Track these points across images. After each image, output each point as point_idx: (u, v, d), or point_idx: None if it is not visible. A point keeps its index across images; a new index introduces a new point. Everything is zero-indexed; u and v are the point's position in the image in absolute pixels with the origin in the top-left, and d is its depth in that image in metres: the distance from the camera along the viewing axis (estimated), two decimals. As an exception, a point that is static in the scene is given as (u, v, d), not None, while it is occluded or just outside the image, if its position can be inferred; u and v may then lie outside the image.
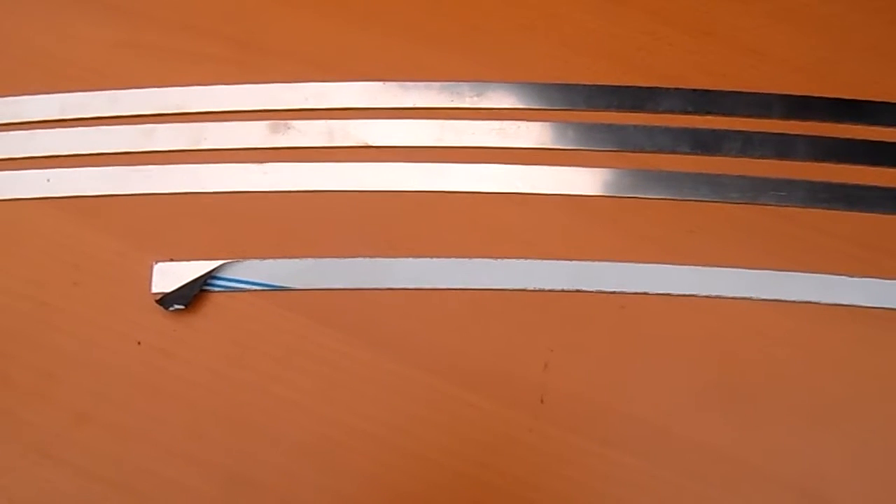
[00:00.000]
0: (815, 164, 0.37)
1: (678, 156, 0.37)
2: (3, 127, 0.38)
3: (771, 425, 0.33)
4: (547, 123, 0.37)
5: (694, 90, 0.38)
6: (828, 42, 0.39)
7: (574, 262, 0.35)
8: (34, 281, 0.35)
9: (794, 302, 0.34)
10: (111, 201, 0.36)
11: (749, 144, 0.37)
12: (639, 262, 0.35)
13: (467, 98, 0.38)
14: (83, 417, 0.33)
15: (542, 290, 0.35)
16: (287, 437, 0.33)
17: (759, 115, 0.38)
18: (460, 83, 0.38)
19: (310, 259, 0.35)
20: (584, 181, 0.37)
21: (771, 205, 0.36)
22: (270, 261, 0.35)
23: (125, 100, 0.38)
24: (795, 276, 0.35)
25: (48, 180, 0.36)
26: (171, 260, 0.35)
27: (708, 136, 0.37)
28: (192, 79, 0.38)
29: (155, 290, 0.34)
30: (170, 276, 0.35)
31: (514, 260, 0.35)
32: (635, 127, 0.37)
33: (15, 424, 0.33)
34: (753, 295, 0.35)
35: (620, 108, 0.38)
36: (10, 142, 0.37)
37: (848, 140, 0.37)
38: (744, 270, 0.35)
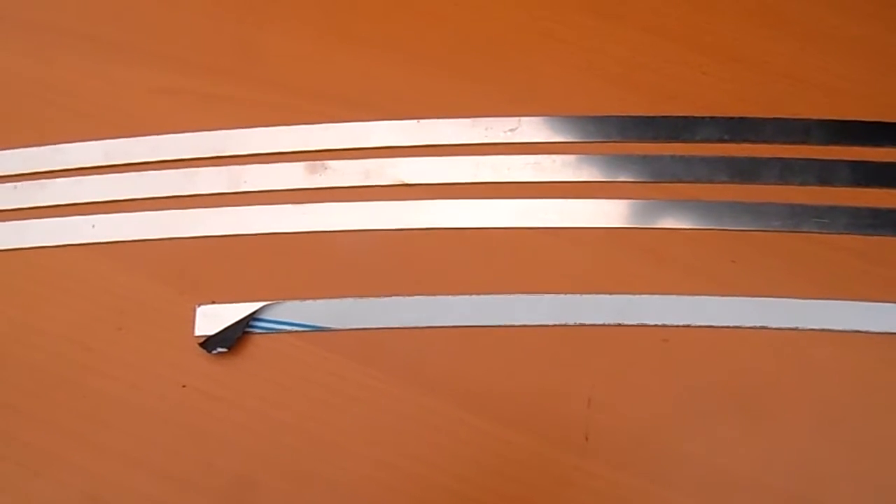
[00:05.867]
0: (858, 189, 0.36)
1: (716, 185, 0.37)
2: (49, 174, 0.39)
3: (833, 464, 0.32)
4: (582, 156, 0.37)
5: (730, 118, 0.38)
6: (864, 64, 0.39)
7: (614, 295, 0.35)
8: (79, 326, 0.36)
9: (842, 332, 0.34)
10: (153, 245, 0.37)
11: (788, 171, 0.37)
12: (681, 293, 0.35)
13: (501, 133, 0.38)
14: (131, 462, 0.33)
15: (583, 325, 0.34)
16: (331, 478, 0.33)
17: (798, 142, 0.37)
18: (494, 118, 0.38)
19: (349, 299, 0.35)
20: (621, 213, 0.36)
21: (814, 232, 0.36)
22: (311, 301, 0.35)
23: (167, 145, 0.38)
24: (843, 305, 0.34)
25: (93, 226, 0.37)
26: (213, 302, 0.35)
27: (746, 165, 0.37)
28: (230, 122, 0.39)
29: (198, 332, 0.35)
30: (212, 318, 0.35)
31: (553, 295, 0.35)
32: (672, 157, 0.37)
33: (67, 470, 0.33)
34: (800, 325, 0.34)
35: (656, 138, 0.38)
36: (57, 189, 0.38)
37: (891, 164, 0.37)
38: (790, 300, 0.34)
